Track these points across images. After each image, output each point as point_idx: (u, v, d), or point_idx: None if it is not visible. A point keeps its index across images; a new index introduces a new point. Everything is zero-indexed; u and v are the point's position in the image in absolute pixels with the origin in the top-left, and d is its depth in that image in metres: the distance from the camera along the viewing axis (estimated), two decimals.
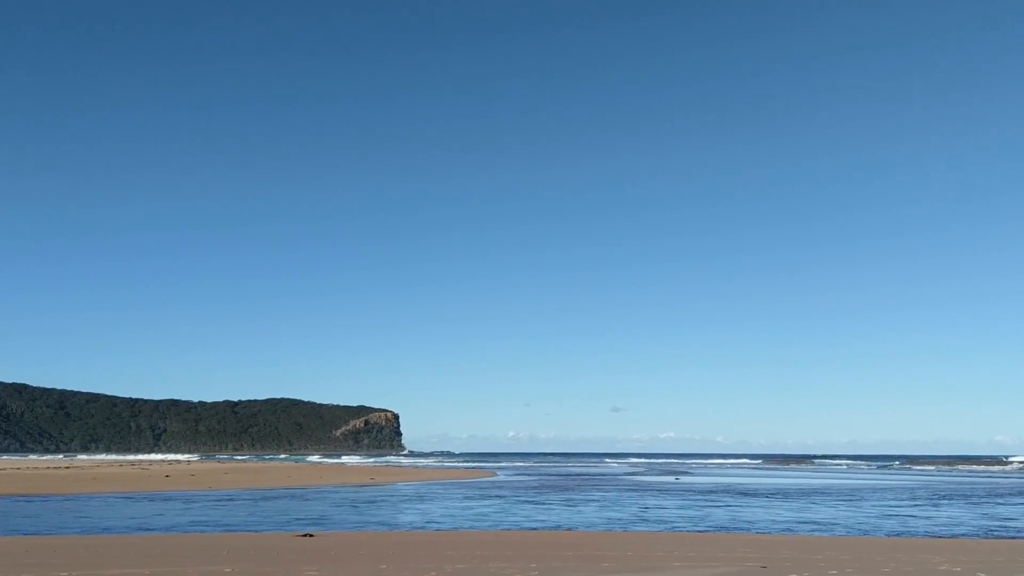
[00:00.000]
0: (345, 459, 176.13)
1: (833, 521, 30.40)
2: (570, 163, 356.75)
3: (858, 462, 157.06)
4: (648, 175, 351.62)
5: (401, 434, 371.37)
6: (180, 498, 41.01)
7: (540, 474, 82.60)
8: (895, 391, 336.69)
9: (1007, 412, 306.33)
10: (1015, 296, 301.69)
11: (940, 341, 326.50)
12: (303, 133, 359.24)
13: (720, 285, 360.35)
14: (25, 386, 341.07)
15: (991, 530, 27.86)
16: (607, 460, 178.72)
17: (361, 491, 49.04)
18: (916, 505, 39.76)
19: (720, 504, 39.12)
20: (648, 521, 30.00)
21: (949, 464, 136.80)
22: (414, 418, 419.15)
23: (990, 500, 44.17)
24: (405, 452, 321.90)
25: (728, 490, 52.22)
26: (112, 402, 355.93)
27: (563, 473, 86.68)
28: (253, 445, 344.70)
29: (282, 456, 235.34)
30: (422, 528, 26.91)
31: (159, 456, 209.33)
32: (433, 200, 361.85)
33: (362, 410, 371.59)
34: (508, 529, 26.64)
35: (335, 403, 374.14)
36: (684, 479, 70.84)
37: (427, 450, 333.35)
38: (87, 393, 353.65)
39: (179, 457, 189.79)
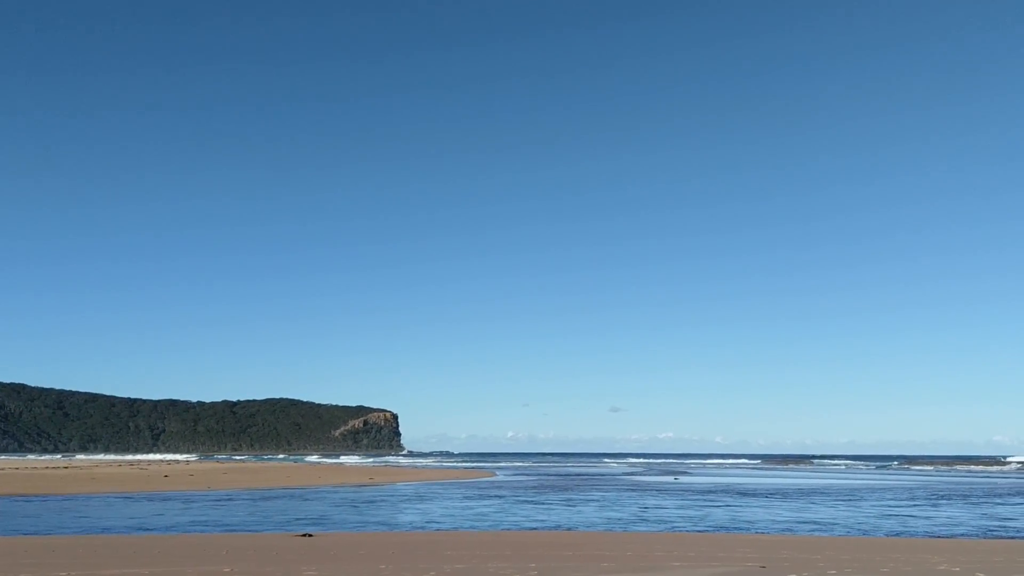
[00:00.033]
0: (344, 459, 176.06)
1: (832, 521, 30.42)
2: (570, 163, 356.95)
3: (857, 462, 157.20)
4: (648, 175, 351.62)
5: (400, 434, 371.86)
6: (179, 498, 41.00)
7: (539, 474, 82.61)
8: (894, 391, 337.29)
9: (1005, 412, 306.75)
10: (1014, 296, 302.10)
11: (939, 341, 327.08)
12: (303, 133, 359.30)
13: (719, 285, 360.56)
14: (24, 386, 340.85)
15: (990, 530, 27.88)
16: (606, 460, 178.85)
17: (360, 491, 49.03)
18: (915, 505, 39.79)
19: (719, 504, 39.14)
20: (648, 521, 30.01)
21: (948, 464, 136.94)
22: (413, 418, 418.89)
23: (989, 500, 44.20)
24: (404, 452, 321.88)
25: (727, 490, 52.24)
26: (111, 402, 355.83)
27: (562, 473, 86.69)
28: (252, 445, 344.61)
29: (281, 456, 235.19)
30: (421, 528, 26.91)
31: (158, 456, 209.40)
32: (433, 200, 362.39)
33: (361, 410, 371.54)
34: (507, 529, 26.63)
35: (334, 403, 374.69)
36: (683, 479, 70.88)
37: (426, 450, 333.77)
38: (86, 393, 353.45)
39: (178, 457, 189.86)
